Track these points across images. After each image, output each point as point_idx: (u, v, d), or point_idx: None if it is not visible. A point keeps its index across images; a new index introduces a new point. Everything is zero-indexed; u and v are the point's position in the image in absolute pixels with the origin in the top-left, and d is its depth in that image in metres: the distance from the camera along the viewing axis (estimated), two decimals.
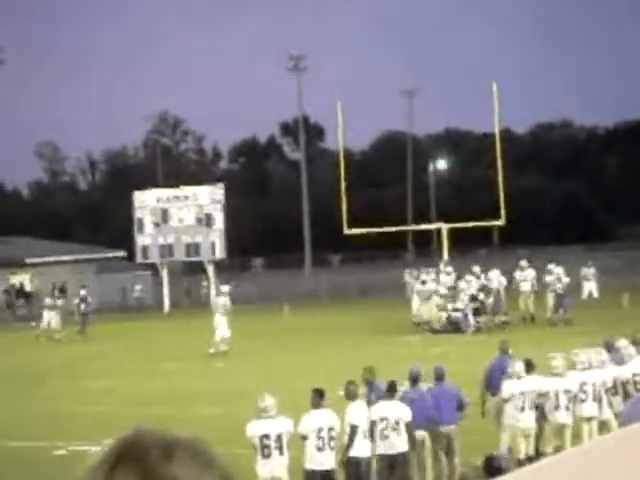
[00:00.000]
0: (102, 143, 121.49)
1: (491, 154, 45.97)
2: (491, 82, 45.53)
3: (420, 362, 17.21)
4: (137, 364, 32.24)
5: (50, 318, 43.72)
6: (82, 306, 44.96)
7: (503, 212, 44.86)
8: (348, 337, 36.44)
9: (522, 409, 15.56)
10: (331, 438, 13.55)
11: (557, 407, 15.62)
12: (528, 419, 15.62)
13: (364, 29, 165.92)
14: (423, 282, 39.33)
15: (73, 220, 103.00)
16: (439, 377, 15.93)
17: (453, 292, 37.48)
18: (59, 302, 45.03)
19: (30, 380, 29.39)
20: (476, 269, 38.51)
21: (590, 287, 41.37)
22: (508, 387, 15.71)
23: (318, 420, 13.61)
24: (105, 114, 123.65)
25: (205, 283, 46.75)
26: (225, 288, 37.50)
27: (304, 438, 13.58)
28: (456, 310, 36.64)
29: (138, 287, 46.28)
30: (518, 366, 15.90)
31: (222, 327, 34.48)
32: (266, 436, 13.19)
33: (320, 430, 13.49)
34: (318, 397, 13.89)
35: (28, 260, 64.24)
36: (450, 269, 39.72)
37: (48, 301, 44.98)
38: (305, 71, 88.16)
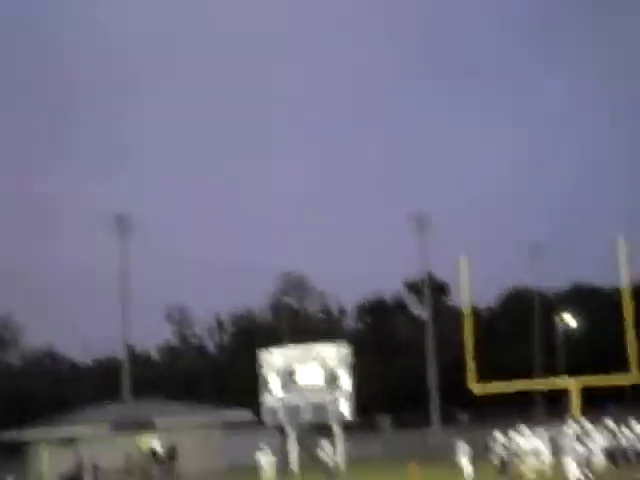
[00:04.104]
0: (229, 304, 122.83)
1: (621, 309, 45.20)
2: (618, 239, 45.01)
3: None
4: None
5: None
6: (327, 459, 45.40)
7: (634, 368, 43.82)
8: None
9: None
10: None
11: None
12: None
13: (487, 184, 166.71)
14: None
15: (201, 381, 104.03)
16: None
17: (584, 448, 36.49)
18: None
19: None
20: (611, 424, 37.54)
21: None
22: None
23: None
24: (231, 275, 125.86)
25: (325, 444, 46.83)
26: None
27: None
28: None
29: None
30: None
31: None
32: None
33: None
34: None
35: (157, 422, 64.96)
36: (579, 426, 38.75)
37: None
38: (429, 227, 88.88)
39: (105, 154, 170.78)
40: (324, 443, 47.64)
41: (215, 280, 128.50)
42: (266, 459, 45.66)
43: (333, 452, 46.07)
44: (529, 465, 36.87)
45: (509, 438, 38.65)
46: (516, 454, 37.57)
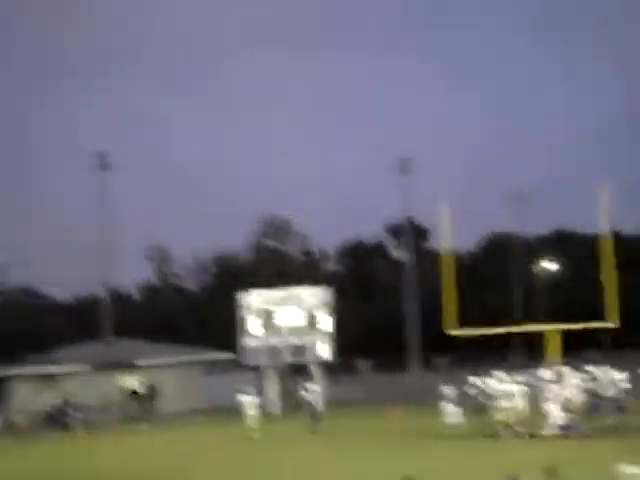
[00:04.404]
0: (210, 245, 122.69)
1: (602, 255, 45.33)
2: (602, 184, 44.95)
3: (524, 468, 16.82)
4: None
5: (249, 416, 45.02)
6: (314, 400, 45.60)
7: (614, 314, 44.06)
8: (442, 440, 36.25)
9: None
10: None
11: None
12: None
13: (470, 130, 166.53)
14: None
15: (182, 321, 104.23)
16: None
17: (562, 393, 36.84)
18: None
19: None
20: (591, 369, 37.85)
21: None
22: None
23: None
24: (213, 216, 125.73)
25: (311, 385, 47.25)
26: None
27: None
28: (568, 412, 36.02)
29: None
30: None
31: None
32: None
33: None
34: None
35: (137, 361, 65.12)
36: (558, 370, 39.07)
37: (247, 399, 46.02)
38: (412, 173, 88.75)
39: (89, 89, 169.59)
40: (310, 384, 47.97)
41: (197, 220, 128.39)
42: (248, 400, 45.84)
43: (317, 393, 46.24)
44: (505, 409, 37.13)
45: (485, 382, 38.93)
46: (492, 398, 37.84)
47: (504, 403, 37.23)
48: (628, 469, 14.43)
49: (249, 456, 36.47)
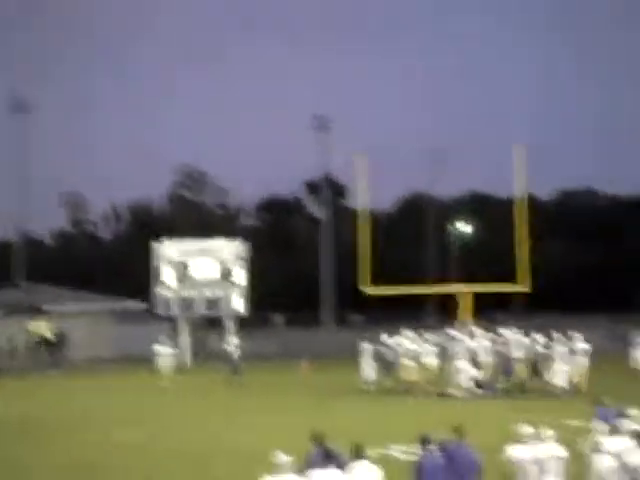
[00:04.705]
0: (126, 194, 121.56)
1: (516, 219, 45.89)
2: (515, 146, 45.43)
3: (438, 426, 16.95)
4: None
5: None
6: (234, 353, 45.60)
7: (525, 278, 44.68)
8: (355, 397, 36.52)
9: None
10: None
11: None
12: None
13: (390, 90, 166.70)
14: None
15: (95, 269, 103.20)
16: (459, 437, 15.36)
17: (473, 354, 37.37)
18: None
19: None
20: (503, 330, 38.43)
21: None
22: None
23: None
24: (129, 165, 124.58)
25: (232, 338, 47.40)
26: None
27: None
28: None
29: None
30: None
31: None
32: None
33: None
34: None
35: (48, 308, 64.41)
36: (468, 330, 39.57)
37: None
38: (331, 130, 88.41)
39: (8, 36, 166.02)
40: (230, 337, 47.98)
41: (115, 169, 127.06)
42: (162, 350, 45.71)
43: (237, 346, 46.16)
44: (416, 368, 37.51)
45: (397, 341, 39.23)
46: (403, 357, 38.14)
47: (415, 362, 37.57)
48: (529, 429, 14.61)
49: (162, 405, 36.39)
